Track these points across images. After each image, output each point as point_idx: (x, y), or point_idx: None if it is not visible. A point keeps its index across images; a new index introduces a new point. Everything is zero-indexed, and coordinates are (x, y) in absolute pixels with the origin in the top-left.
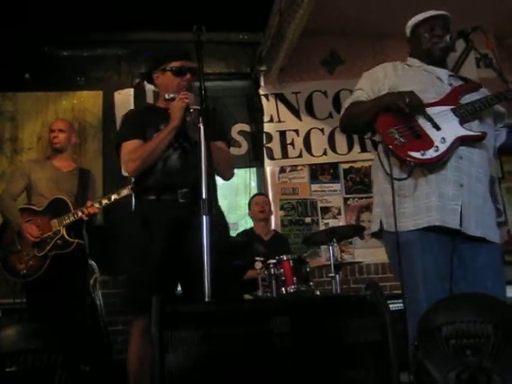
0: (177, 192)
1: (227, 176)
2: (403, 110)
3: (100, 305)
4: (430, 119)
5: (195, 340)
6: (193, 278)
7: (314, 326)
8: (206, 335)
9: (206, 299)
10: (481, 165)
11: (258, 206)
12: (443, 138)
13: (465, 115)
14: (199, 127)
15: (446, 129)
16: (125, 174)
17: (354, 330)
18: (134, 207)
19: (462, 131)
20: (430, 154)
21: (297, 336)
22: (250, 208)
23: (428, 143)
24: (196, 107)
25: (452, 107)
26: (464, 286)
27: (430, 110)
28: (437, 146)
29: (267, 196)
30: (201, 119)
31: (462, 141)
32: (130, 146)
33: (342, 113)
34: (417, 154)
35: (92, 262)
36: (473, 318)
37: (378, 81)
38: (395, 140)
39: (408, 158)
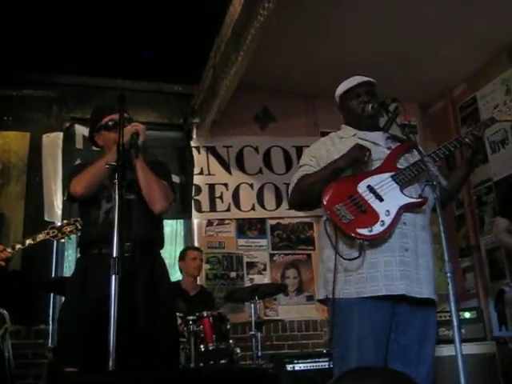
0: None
1: (158, 206)
2: (362, 160)
3: (9, 357)
4: (372, 190)
5: None
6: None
7: None
8: None
9: (110, 367)
10: (424, 225)
11: (195, 261)
12: (387, 211)
13: (404, 181)
14: (115, 183)
15: (389, 199)
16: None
17: None
18: (77, 259)
19: (404, 199)
20: (377, 229)
21: None
22: (182, 259)
23: (374, 217)
24: (141, 140)
25: (392, 174)
26: (395, 347)
27: (372, 180)
28: (382, 221)
29: (201, 250)
30: (116, 176)
31: (406, 208)
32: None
33: (290, 189)
34: (364, 231)
35: (3, 311)
36: None
37: (322, 157)
38: (342, 218)
39: (357, 236)
